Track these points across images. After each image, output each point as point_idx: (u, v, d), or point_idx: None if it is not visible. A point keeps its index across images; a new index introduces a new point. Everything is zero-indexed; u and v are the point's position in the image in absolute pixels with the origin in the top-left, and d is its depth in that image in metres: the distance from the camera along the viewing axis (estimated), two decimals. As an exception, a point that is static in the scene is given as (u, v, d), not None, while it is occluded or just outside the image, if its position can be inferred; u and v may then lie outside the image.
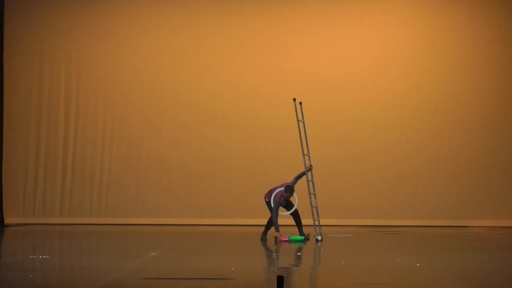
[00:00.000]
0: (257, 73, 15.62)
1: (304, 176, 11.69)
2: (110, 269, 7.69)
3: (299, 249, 10.22)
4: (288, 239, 11.36)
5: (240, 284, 6.66)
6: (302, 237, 11.60)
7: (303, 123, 11.90)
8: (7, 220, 15.01)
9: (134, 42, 15.72)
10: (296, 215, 11.69)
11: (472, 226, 15.07)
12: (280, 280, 5.52)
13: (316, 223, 11.52)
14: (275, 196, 11.43)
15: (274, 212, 11.30)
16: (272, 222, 11.40)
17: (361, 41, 15.66)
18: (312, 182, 11.74)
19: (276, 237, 11.25)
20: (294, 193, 11.49)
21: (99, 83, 15.70)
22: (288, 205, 11.67)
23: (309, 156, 11.75)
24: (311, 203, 11.57)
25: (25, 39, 15.63)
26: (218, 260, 8.77)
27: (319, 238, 11.33)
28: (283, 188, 11.43)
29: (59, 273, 7.89)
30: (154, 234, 13.27)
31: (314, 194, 11.69)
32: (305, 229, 11.78)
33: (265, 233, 11.56)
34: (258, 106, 15.52)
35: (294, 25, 15.66)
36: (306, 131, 11.99)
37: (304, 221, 11.81)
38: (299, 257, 9.22)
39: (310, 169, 11.72)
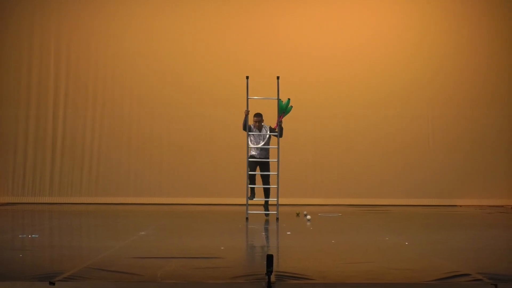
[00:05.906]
0: (247, 50, 15.55)
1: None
2: (100, 248, 7.70)
3: (289, 229, 10.24)
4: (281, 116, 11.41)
5: (229, 262, 6.68)
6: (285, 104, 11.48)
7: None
8: (-4, 199, 15.01)
9: (125, 19, 15.63)
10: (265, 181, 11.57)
11: (460, 205, 15.15)
12: (270, 258, 5.54)
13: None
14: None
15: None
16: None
17: (350, 18, 15.63)
18: (277, 148, 11.59)
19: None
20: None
21: (89, 60, 15.60)
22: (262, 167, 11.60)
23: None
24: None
25: (15, 15, 15.51)
26: (208, 239, 8.78)
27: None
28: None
29: (49, 252, 7.88)
30: (144, 213, 13.27)
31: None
32: (295, 208, 11.82)
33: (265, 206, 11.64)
34: (249, 83, 15.40)
35: (284, 0, 15.62)
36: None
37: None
38: (288, 236, 9.25)
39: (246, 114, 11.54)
